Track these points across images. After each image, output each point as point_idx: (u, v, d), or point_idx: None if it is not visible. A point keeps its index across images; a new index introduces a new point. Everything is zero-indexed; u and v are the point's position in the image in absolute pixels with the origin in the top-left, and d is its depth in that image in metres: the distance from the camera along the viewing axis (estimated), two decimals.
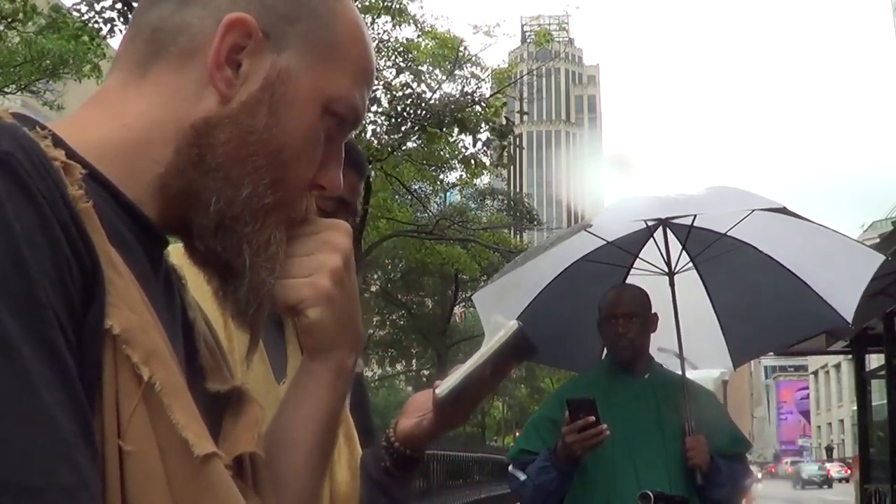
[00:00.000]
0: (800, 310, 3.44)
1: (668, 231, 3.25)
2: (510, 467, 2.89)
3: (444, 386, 1.18)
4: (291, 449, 0.82)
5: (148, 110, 0.74)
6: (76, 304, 0.60)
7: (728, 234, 3.31)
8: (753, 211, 3.15)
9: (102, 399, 0.62)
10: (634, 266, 3.45)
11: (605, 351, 3.13)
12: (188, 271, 0.84)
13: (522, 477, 2.80)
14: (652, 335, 2.97)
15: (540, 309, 3.37)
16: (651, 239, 3.29)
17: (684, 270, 3.31)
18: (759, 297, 3.48)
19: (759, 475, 53.35)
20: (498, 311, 3.34)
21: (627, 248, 3.38)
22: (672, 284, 3.18)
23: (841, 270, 3.32)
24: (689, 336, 3.28)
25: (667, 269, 3.24)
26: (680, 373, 3.09)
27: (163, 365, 0.65)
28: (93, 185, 0.67)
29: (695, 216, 3.19)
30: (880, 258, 3.23)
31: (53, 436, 0.55)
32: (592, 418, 2.58)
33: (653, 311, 2.95)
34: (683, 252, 3.32)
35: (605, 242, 3.30)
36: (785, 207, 3.11)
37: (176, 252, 0.82)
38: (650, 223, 3.23)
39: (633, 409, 2.80)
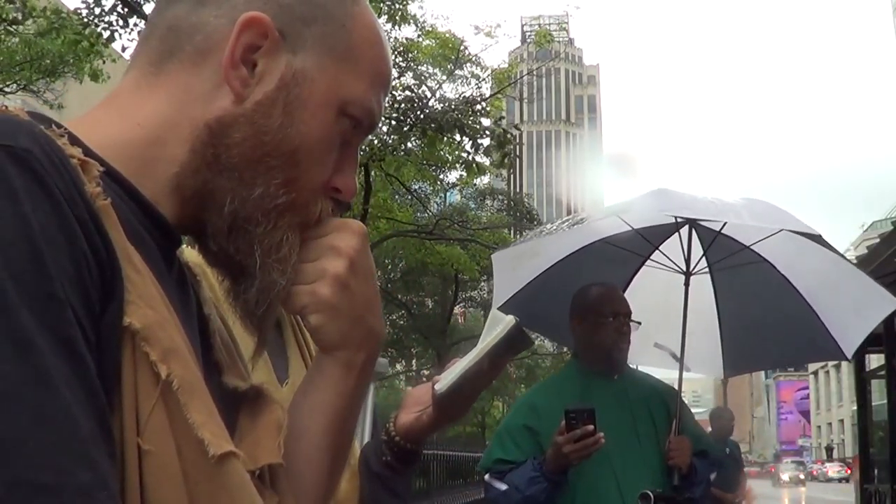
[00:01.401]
0: (802, 335, 3.46)
1: (694, 232, 3.24)
2: (487, 477, 2.80)
3: (444, 381, 1.19)
4: (298, 439, 0.82)
5: (162, 109, 0.74)
6: (94, 300, 0.60)
7: (751, 247, 3.31)
8: (782, 230, 3.14)
9: (121, 397, 0.62)
10: (651, 258, 3.44)
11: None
12: (203, 269, 0.84)
13: (503, 487, 2.72)
14: (653, 331, 2.98)
15: (549, 281, 3.35)
16: (676, 235, 3.28)
17: (699, 273, 3.31)
18: (766, 316, 3.48)
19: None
20: (511, 276, 3.40)
21: (650, 239, 3.37)
22: (687, 284, 3.17)
23: (853, 307, 3.32)
24: (688, 338, 3.27)
25: (684, 269, 3.22)
26: (675, 374, 3.10)
27: (181, 362, 0.64)
28: (109, 183, 0.67)
29: (724, 223, 3.18)
30: (895, 304, 3.22)
31: (71, 434, 0.55)
32: (591, 427, 2.53)
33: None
34: (704, 256, 3.32)
35: (629, 229, 3.27)
36: (819, 235, 3.09)
37: (190, 249, 0.82)
38: (679, 220, 3.20)
39: (611, 412, 2.74)
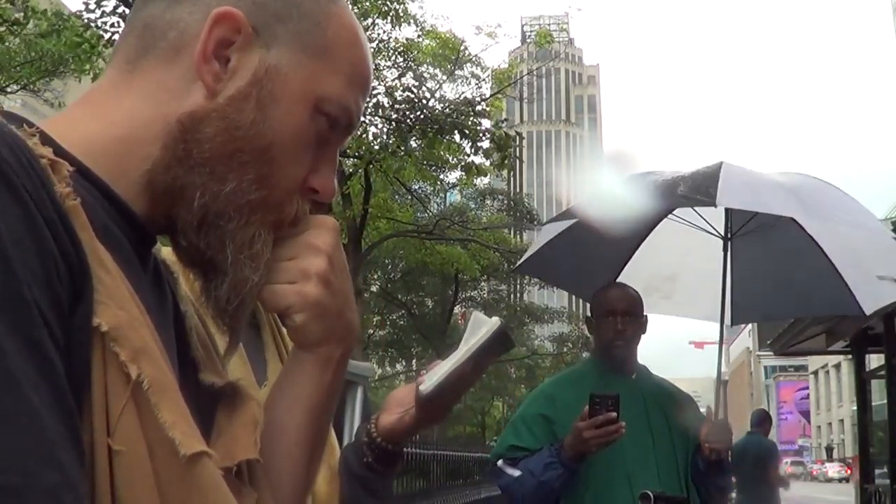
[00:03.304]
0: (822, 290, 3.42)
1: None
2: (499, 462, 2.82)
3: (428, 382, 1.19)
4: (276, 434, 0.82)
5: (135, 107, 0.74)
6: (63, 302, 0.60)
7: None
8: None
9: (91, 398, 0.61)
10: (676, 215, 3.39)
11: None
12: (180, 267, 0.84)
13: (516, 473, 2.74)
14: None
15: (570, 234, 3.31)
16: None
17: (743, 234, 3.30)
18: (782, 269, 3.47)
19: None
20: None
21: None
22: (725, 249, 3.19)
23: (884, 272, 3.28)
24: (689, 286, 3.43)
25: (723, 234, 3.24)
26: None
27: (151, 362, 0.64)
28: (82, 182, 0.67)
29: None
30: None
31: (37, 435, 0.54)
32: (614, 414, 2.56)
33: (644, 314, 2.95)
34: (744, 223, 3.30)
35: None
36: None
37: (167, 247, 0.82)
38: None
39: (626, 408, 2.74)
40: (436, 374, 1.19)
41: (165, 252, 0.84)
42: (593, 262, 3.53)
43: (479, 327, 1.18)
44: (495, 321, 1.19)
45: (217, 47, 0.74)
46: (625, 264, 3.53)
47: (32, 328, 0.56)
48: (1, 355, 0.54)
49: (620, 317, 2.86)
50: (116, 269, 0.65)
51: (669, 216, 3.41)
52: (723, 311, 3.17)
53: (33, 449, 0.54)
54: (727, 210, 3.20)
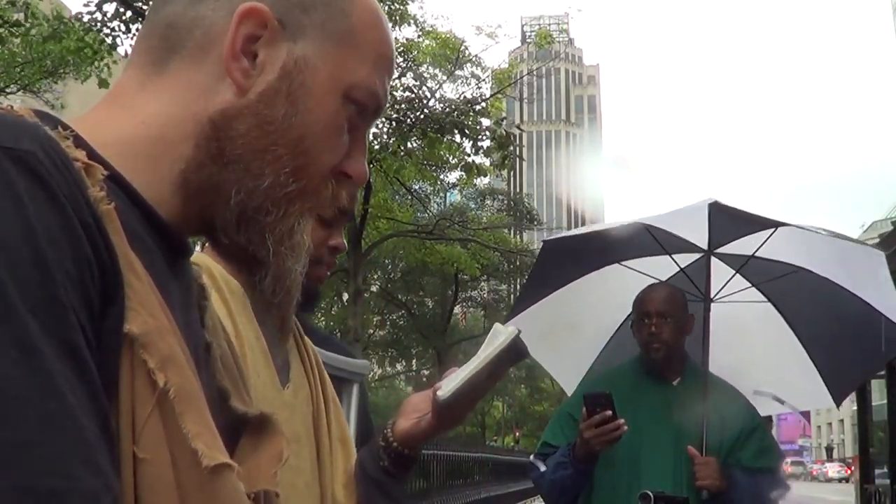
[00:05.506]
0: (875, 330, 3.12)
1: (714, 259, 3.11)
2: (531, 457, 2.91)
3: (446, 388, 1.22)
4: None
5: (166, 107, 0.74)
6: (94, 305, 0.60)
7: (783, 260, 3.13)
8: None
9: (118, 404, 0.61)
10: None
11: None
12: (219, 289, 0.84)
13: (543, 468, 2.79)
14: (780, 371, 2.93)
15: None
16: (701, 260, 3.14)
17: (725, 300, 3.13)
18: (838, 322, 3.20)
19: None
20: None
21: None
22: (707, 310, 3.03)
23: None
24: (777, 373, 3.20)
25: (702, 295, 3.06)
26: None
27: (178, 371, 0.64)
28: (113, 188, 0.66)
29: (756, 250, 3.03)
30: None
31: (77, 439, 0.54)
32: (609, 413, 2.54)
33: (689, 313, 2.86)
34: (738, 278, 3.12)
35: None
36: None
37: (204, 271, 0.82)
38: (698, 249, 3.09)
39: (654, 417, 2.72)
40: (453, 381, 1.22)
41: (205, 276, 0.84)
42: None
43: (498, 337, 1.23)
44: (512, 330, 1.23)
45: (245, 44, 0.74)
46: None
47: (69, 331, 0.56)
48: (39, 357, 0.54)
49: (655, 318, 2.78)
50: (147, 277, 0.65)
51: (621, 262, 3.22)
52: (705, 371, 2.94)
53: (73, 452, 0.54)
54: (707, 272, 3.07)
